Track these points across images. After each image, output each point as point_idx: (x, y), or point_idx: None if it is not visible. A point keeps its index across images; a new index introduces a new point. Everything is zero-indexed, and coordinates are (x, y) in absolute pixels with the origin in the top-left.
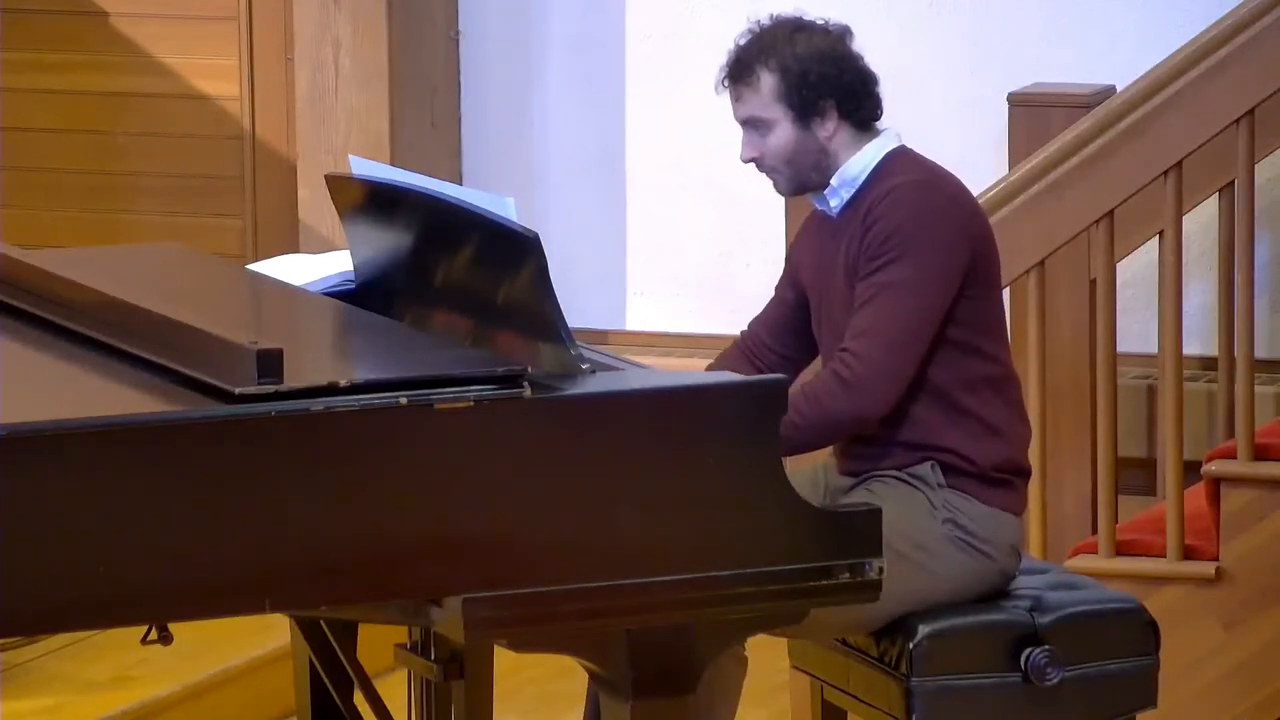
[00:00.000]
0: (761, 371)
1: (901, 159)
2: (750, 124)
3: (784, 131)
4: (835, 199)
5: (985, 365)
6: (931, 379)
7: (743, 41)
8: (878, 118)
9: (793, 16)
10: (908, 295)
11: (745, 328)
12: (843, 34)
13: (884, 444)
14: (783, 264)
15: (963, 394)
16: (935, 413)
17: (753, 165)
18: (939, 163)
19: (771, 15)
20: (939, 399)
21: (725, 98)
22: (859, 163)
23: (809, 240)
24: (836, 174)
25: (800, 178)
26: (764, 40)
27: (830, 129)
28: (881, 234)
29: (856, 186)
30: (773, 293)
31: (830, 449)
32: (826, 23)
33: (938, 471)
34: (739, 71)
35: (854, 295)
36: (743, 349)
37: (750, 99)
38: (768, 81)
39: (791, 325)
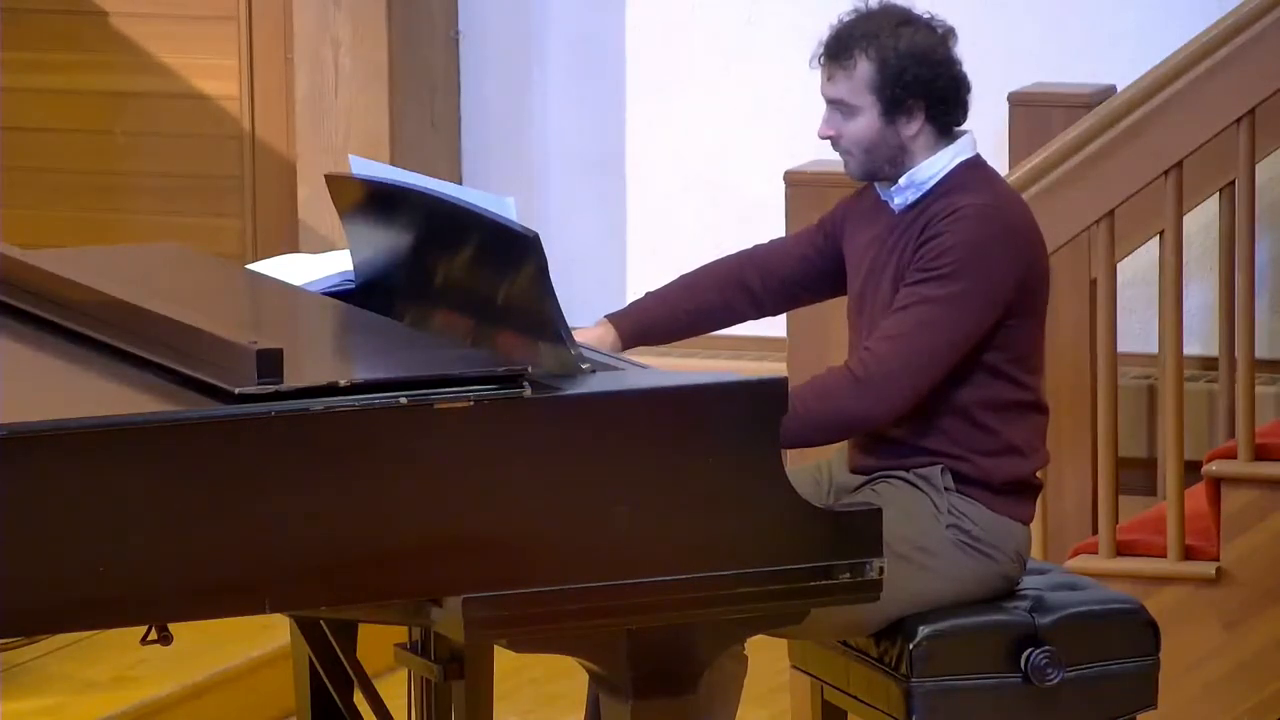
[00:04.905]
0: (753, 293)
1: (973, 172)
2: (836, 104)
3: (868, 121)
4: (900, 198)
5: (1015, 391)
6: (959, 397)
7: (847, 20)
8: (961, 124)
9: (902, 7)
10: (943, 315)
11: (757, 246)
12: (946, 35)
13: (899, 445)
14: None
15: (987, 414)
16: (956, 426)
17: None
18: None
19: None
20: (962, 415)
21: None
22: (931, 167)
23: (862, 216)
24: (907, 174)
25: (872, 166)
26: (869, 25)
27: (914, 129)
28: (936, 249)
29: (923, 191)
30: (796, 237)
31: (844, 444)
32: (932, 19)
33: (946, 476)
34: (837, 50)
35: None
36: (746, 266)
37: (842, 81)
38: (864, 69)
39: (812, 270)
